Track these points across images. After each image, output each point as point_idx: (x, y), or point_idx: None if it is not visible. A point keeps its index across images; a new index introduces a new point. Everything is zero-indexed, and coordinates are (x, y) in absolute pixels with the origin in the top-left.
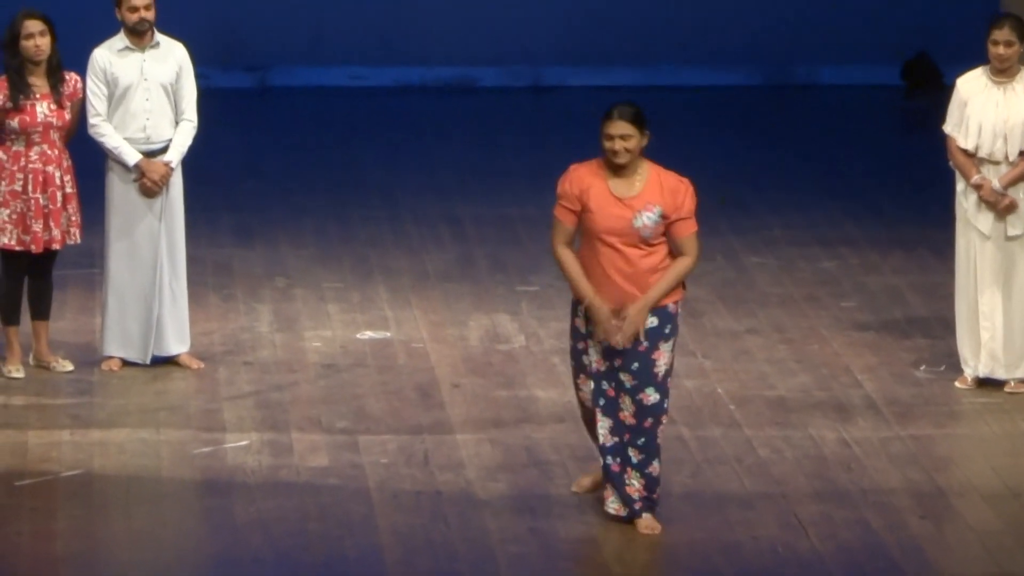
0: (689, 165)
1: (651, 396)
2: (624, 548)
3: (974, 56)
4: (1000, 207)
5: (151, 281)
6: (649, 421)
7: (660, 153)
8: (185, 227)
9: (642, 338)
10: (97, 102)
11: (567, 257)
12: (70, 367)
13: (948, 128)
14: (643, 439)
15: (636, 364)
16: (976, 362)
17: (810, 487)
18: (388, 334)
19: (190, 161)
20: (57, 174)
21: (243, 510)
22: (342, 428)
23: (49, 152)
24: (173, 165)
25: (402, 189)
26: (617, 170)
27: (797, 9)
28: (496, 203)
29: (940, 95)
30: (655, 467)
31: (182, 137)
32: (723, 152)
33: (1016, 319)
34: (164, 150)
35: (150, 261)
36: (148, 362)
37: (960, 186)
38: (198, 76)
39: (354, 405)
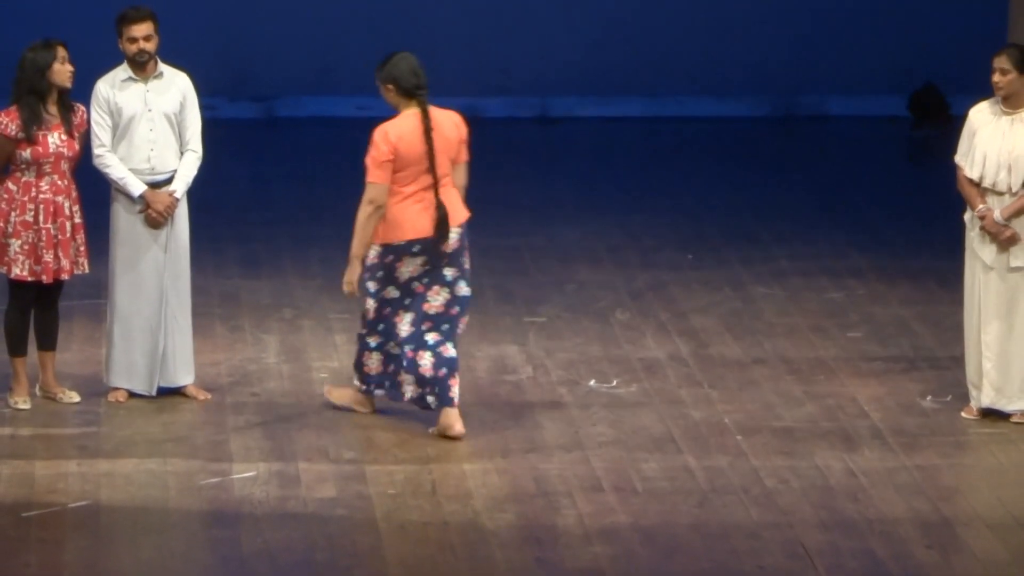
0: (696, 196)
1: (464, 289)
2: None
3: (981, 87)
4: (1002, 238)
5: (156, 312)
6: (456, 310)
7: (668, 185)
8: (191, 258)
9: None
10: (102, 133)
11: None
12: (76, 398)
13: (958, 157)
14: (446, 325)
15: (462, 259)
16: (980, 393)
17: (816, 517)
18: None
19: (196, 191)
20: (67, 204)
21: (250, 541)
22: (349, 459)
23: (59, 182)
24: (178, 196)
25: None
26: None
27: (804, 40)
28: (503, 234)
29: (947, 126)
30: (447, 348)
31: (187, 168)
32: (730, 183)
33: (1016, 351)
34: (169, 181)
35: (155, 292)
36: (154, 393)
37: (967, 216)
38: (205, 106)
39: (361, 436)
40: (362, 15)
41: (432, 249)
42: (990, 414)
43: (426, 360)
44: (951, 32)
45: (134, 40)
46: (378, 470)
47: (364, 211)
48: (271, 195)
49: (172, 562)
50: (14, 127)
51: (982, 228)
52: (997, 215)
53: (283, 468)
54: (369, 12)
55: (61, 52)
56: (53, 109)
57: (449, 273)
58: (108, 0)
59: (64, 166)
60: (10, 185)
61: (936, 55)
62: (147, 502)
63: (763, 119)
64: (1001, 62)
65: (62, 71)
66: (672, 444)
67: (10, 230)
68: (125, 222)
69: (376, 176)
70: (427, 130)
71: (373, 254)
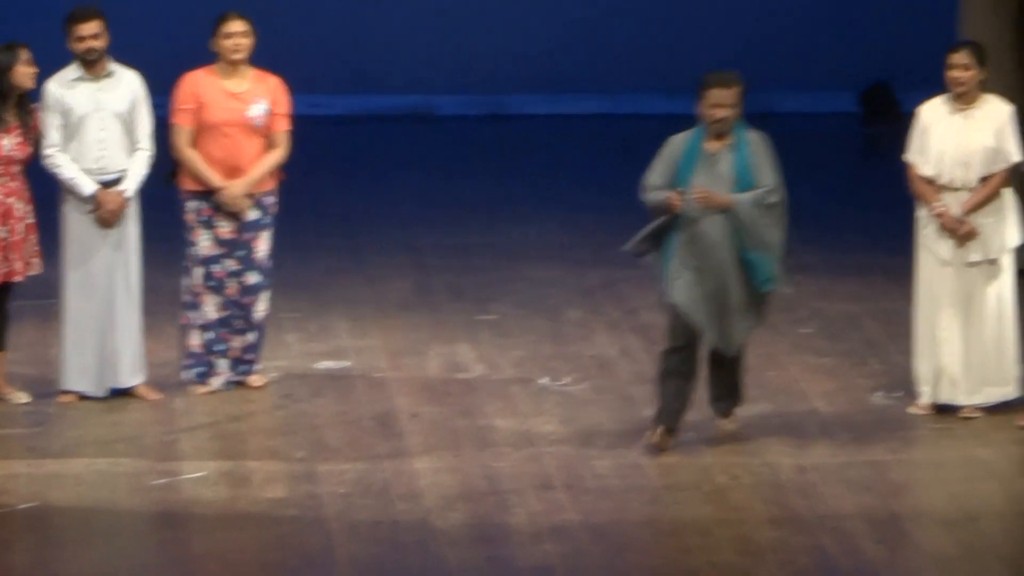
0: None
1: (253, 278)
2: None
3: (932, 85)
4: (960, 234)
5: (107, 312)
6: (248, 299)
7: (621, 182)
8: (141, 257)
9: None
10: (52, 132)
11: (193, 154)
12: (26, 399)
13: (909, 155)
14: (243, 312)
15: (242, 252)
16: (935, 388)
17: (767, 513)
18: (347, 364)
19: (147, 190)
20: (19, 206)
21: (200, 541)
22: (300, 458)
23: (11, 184)
24: (129, 195)
25: (361, 218)
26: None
27: (755, 37)
28: (455, 232)
29: (897, 123)
30: (248, 337)
31: (137, 166)
32: None
33: (975, 345)
34: (119, 180)
35: (106, 292)
36: (105, 394)
37: (921, 213)
38: (156, 105)
39: (312, 435)
40: (314, 14)
41: None
42: (939, 409)
43: None
44: (902, 30)
45: (82, 39)
46: (329, 469)
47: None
48: None
49: (122, 563)
50: None
51: (940, 224)
52: (956, 211)
53: (233, 468)
54: (320, 11)
55: (24, 54)
56: (12, 111)
57: None
58: (67, 1)
59: (16, 168)
60: None
61: (887, 52)
62: (97, 503)
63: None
64: (962, 58)
65: (25, 73)
66: (623, 441)
67: None
68: (75, 222)
69: None
70: None
71: None
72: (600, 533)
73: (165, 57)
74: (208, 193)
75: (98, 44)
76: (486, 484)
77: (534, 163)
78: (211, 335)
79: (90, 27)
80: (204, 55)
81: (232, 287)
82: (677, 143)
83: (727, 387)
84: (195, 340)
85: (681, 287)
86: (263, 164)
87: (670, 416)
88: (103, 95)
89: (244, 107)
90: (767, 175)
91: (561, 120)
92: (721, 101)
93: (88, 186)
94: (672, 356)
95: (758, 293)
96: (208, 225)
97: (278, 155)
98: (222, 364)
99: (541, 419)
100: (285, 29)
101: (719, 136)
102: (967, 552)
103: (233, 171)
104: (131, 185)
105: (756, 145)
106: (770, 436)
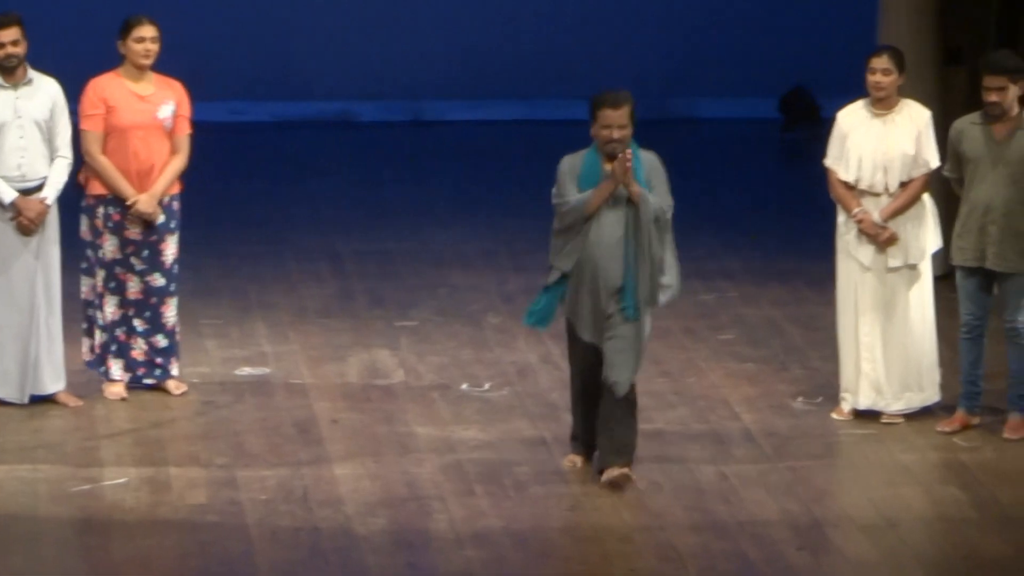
0: None
1: (159, 280)
2: None
3: (851, 89)
4: (881, 240)
5: (27, 320)
6: (154, 300)
7: (541, 188)
8: (61, 264)
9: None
10: None
11: (106, 161)
12: None
13: (829, 161)
14: (148, 312)
15: (147, 252)
16: (856, 394)
17: (688, 519)
18: (267, 370)
19: (67, 196)
20: None
21: (121, 548)
22: (221, 464)
23: None
24: (49, 202)
25: (281, 224)
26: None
27: (674, 43)
28: (375, 238)
29: (818, 128)
30: (157, 340)
31: (57, 174)
32: None
33: (897, 350)
34: (39, 187)
35: (26, 299)
36: (26, 401)
37: (841, 218)
38: (74, 112)
39: (233, 441)
40: (234, 20)
41: None
42: (860, 415)
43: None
44: (821, 35)
45: (1, 45)
46: (249, 475)
47: None
48: None
49: (43, 569)
50: None
51: (860, 230)
52: (876, 217)
53: (154, 474)
54: (240, 17)
55: None
56: None
57: None
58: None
59: None
60: None
61: (806, 57)
62: (17, 509)
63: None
64: (883, 63)
65: None
66: (544, 447)
67: None
68: None
69: None
70: None
71: None
72: (521, 539)
73: (77, 64)
74: (116, 198)
75: (17, 51)
76: (407, 490)
77: (454, 169)
78: (107, 336)
79: (9, 33)
80: (109, 59)
81: (136, 288)
82: (574, 163)
83: (621, 427)
84: (96, 340)
85: (577, 309)
86: (169, 171)
87: (585, 443)
88: (22, 103)
89: (154, 109)
90: (662, 195)
91: (481, 126)
92: (613, 121)
93: (8, 194)
94: (577, 380)
95: (628, 319)
96: (116, 230)
97: (182, 160)
98: (118, 366)
99: (461, 425)
100: (205, 35)
101: (612, 157)
102: (888, 557)
103: (146, 173)
104: (51, 192)
105: (651, 165)
106: (691, 442)
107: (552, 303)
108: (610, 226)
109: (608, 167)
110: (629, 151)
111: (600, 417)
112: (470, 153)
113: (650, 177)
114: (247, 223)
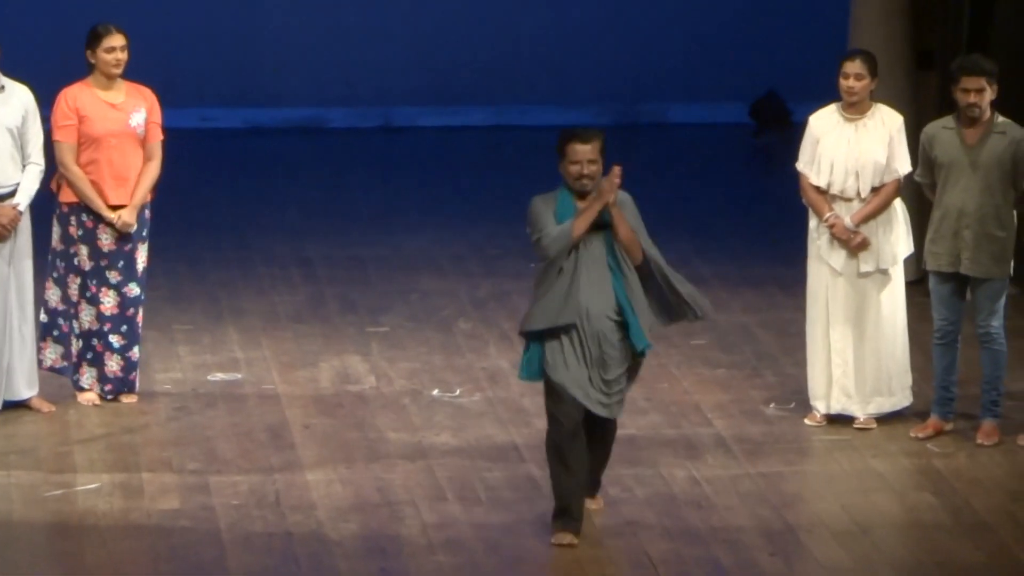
0: None
1: (134, 290)
2: None
3: (823, 94)
4: (852, 244)
5: (0, 325)
6: (131, 311)
7: (511, 194)
8: (34, 270)
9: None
10: None
11: (80, 173)
12: None
13: (800, 165)
14: (125, 327)
15: (121, 263)
16: (828, 399)
17: (660, 525)
18: (239, 375)
19: (39, 203)
20: None
21: (94, 553)
22: (193, 470)
23: None
24: (21, 209)
25: (252, 230)
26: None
27: (645, 49)
28: (346, 243)
29: (789, 133)
30: (135, 352)
31: (29, 181)
32: None
33: (868, 355)
34: (11, 194)
35: None
36: None
37: (812, 223)
38: (46, 119)
39: (205, 447)
40: (204, 27)
41: None
42: (833, 420)
43: None
44: (792, 39)
45: None
46: (222, 481)
47: None
48: None
49: (16, 574)
50: None
51: (832, 235)
52: (847, 222)
53: (127, 480)
54: (211, 23)
55: None
56: None
57: None
58: None
59: None
60: None
61: (777, 62)
62: None
63: (605, 127)
64: (855, 67)
65: None
66: (515, 453)
67: None
68: None
69: None
70: None
71: None
72: (493, 545)
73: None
74: (88, 206)
75: None
76: (378, 496)
77: (424, 175)
78: (82, 345)
79: None
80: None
81: (111, 301)
82: (547, 201)
83: (597, 461)
84: (72, 348)
85: (559, 363)
86: (146, 180)
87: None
88: None
89: (126, 117)
90: (643, 240)
91: (450, 132)
92: (582, 156)
93: None
94: (559, 440)
95: (631, 353)
96: (89, 238)
97: (155, 167)
98: (91, 375)
99: (433, 431)
100: (175, 42)
101: (584, 195)
102: (861, 563)
103: (121, 181)
104: (23, 199)
105: (624, 206)
106: (663, 448)
107: (540, 351)
108: (596, 267)
109: (582, 204)
110: (618, 167)
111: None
112: (440, 159)
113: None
114: (218, 229)
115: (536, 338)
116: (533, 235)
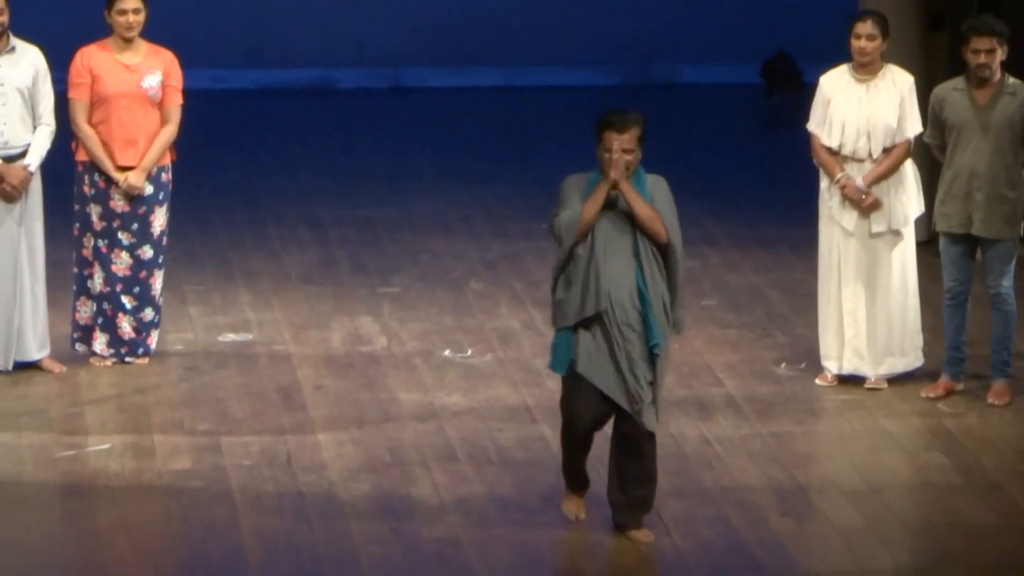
0: (550, 166)
1: (148, 252)
2: (486, 548)
3: (834, 55)
4: (864, 205)
5: (11, 287)
6: (144, 273)
7: (522, 155)
8: (45, 231)
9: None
10: None
11: (91, 132)
12: None
13: (812, 126)
14: (138, 288)
15: (135, 225)
16: (839, 359)
17: (671, 485)
18: (250, 336)
19: (51, 163)
20: None
21: (106, 513)
22: (204, 430)
23: None
24: (32, 169)
25: (263, 191)
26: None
27: (656, 9)
28: (356, 205)
29: (800, 94)
30: (146, 314)
31: (40, 141)
32: (585, 152)
33: (880, 316)
34: (23, 155)
35: (10, 267)
36: (10, 368)
37: (824, 184)
38: (57, 81)
39: (216, 407)
40: None
41: None
42: (844, 381)
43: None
44: (804, 0)
45: None
46: (233, 441)
47: None
48: None
49: (28, 536)
50: None
51: (843, 195)
52: (859, 182)
53: (138, 440)
54: None
55: None
56: None
57: None
58: None
59: None
60: None
61: (788, 23)
62: (2, 476)
63: (616, 88)
64: (868, 28)
65: None
66: (527, 413)
67: None
68: None
69: None
70: None
71: None
72: (504, 505)
73: (65, 32)
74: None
75: (2, 19)
76: (390, 456)
77: (435, 136)
78: (95, 308)
79: None
80: (102, 29)
81: (123, 263)
82: (580, 182)
83: (638, 483)
84: (84, 311)
85: (584, 353)
86: (158, 143)
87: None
88: (5, 70)
89: (139, 78)
90: (669, 224)
91: (460, 93)
92: (617, 145)
93: None
94: (573, 432)
95: (650, 352)
96: (101, 198)
97: (171, 131)
98: (103, 341)
99: (444, 391)
100: (186, 3)
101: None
102: (871, 523)
103: (130, 143)
104: (34, 160)
105: (656, 190)
106: (674, 408)
107: (570, 341)
108: (617, 254)
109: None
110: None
111: (618, 463)
112: (450, 120)
113: (655, 203)
114: (228, 190)
115: (565, 329)
116: (553, 214)
